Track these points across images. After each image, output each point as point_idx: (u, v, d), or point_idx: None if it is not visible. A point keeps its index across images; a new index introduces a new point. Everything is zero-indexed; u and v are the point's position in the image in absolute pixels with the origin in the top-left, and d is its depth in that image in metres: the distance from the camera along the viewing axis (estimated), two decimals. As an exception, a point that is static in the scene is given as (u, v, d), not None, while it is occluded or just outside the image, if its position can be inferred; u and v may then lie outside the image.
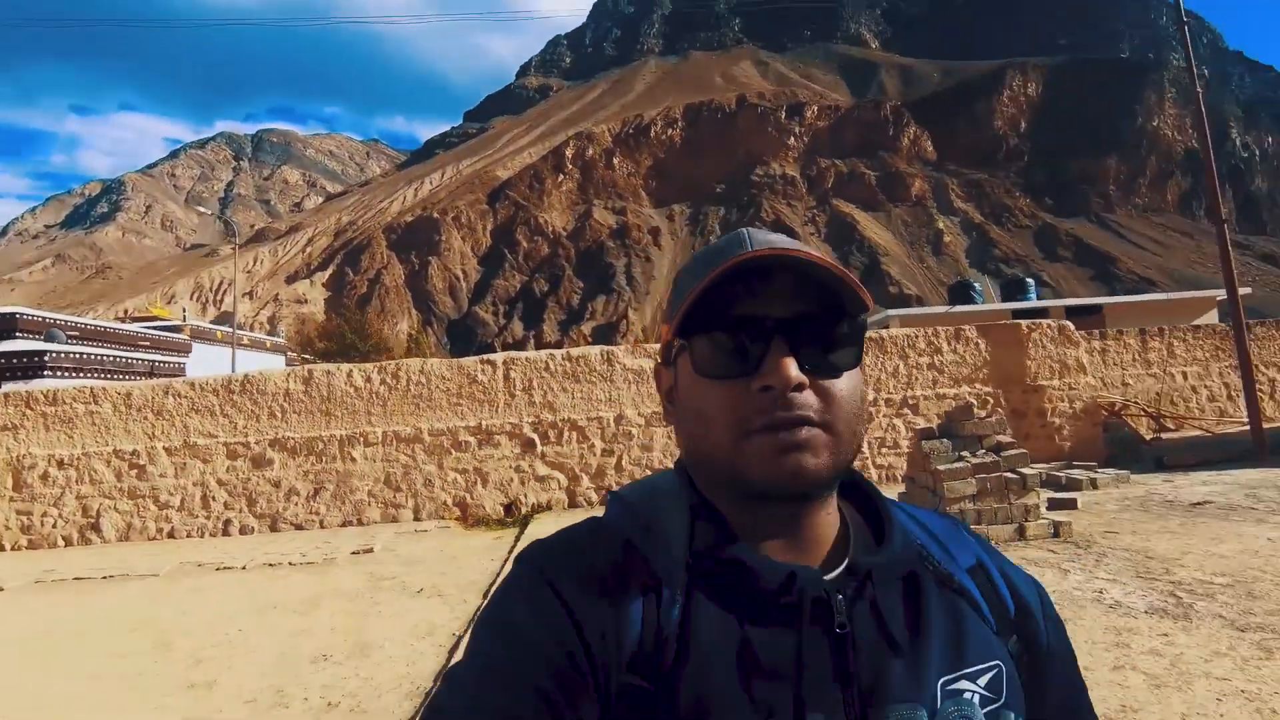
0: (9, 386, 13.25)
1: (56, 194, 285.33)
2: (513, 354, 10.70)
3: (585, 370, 10.47)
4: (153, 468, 10.01)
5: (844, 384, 0.61)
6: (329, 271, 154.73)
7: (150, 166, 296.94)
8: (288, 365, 31.22)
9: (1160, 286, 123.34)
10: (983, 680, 0.60)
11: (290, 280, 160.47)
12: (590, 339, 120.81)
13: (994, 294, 25.53)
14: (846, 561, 0.62)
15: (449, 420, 10.30)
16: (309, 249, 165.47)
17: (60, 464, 10.00)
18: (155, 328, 29.44)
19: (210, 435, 10.17)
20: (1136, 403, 12.38)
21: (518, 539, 8.43)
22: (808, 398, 0.58)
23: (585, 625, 0.56)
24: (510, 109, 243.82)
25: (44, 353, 18.11)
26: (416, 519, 10.01)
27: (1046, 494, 8.04)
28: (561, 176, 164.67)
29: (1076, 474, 9.18)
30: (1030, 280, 24.62)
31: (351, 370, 10.51)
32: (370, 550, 8.14)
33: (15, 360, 17.65)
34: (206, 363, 28.20)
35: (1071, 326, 11.56)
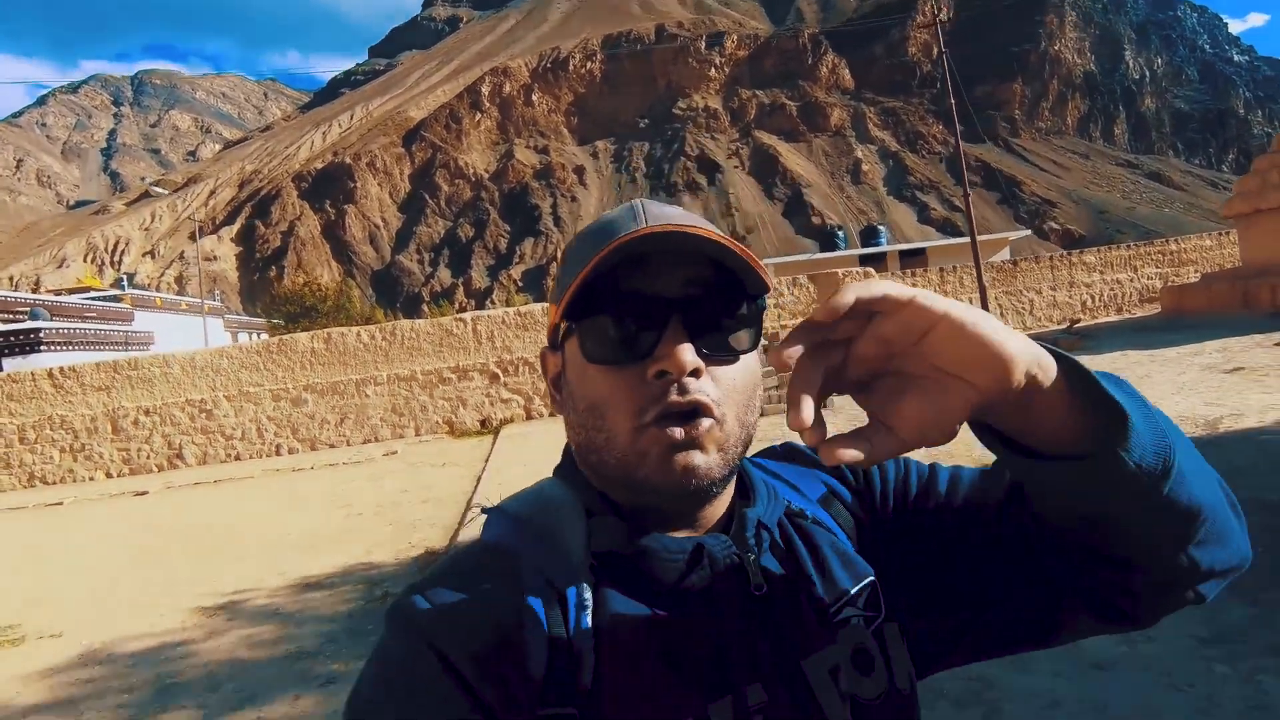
0: (10, 363, 15.59)
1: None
2: (478, 312, 13.96)
3: (531, 321, 14.06)
4: (217, 410, 13.17)
5: (740, 370, 0.58)
6: (236, 225, 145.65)
7: (15, 115, 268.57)
8: (226, 328, 30.30)
9: (1059, 207, 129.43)
10: (861, 601, 0.59)
11: (194, 236, 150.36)
12: (520, 284, 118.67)
13: (856, 240, 31.77)
14: (736, 520, 0.60)
15: (434, 363, 13.66)
16: (212, 202, 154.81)
17: (147, 412, 13.07)
18: (97, 298, 30.52)
19: (258, 385, 13.41)
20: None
21: (493, 442, 11.32)
22: (704, 384, 0.55)
23: (489, 689, 0.51)
24: (419, 43, 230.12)
25: (39, 330, 20.59)
26: (418, 435, 13.29)
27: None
28: (479, 115, 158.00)
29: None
30: (881, 227, 30.84)
31: (359, 331, 13.98)
32: (395, 452, 11.61)
33: (15, 338, 20.27)
34: (156, 330, 29.06)
35: (873, 272, 14.75)
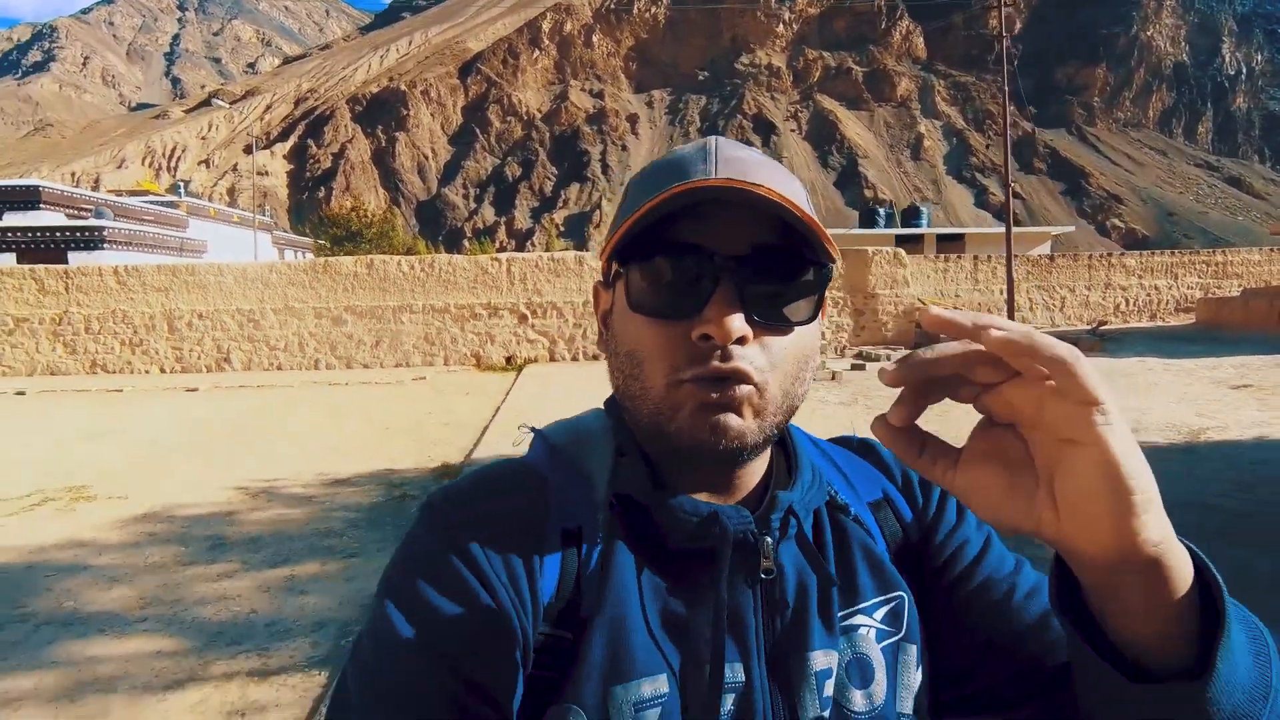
0: (76, 257, 16.58)
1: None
2: (513, 254, 14.43)
3: (563, 268, 14.34)
4: (264, 321, 13.96)
5: (792, 342, 0.55)
6: (290, 143, 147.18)
7: (85, 12, 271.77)
8: (274, 244, 31.49)
9: (1127, 204, 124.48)
10: (879, 614, 0.57)
11: (249, 150, 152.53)
12: (562, 228, 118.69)
13: (897, 219, 31.89)
14: (766, 500, 0.58)
15: (468, 298, 14.28)
16: (268, 116, 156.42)
17: (200, 316, 13.94)
18: (154, 202, 31.57)
19: (302, 301, 14.11)
20: (937, 303, 15.73)
21: (515, 378, 12.10)
22: (749, 353, 0.52)
23: (499, 589, 0.52)
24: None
25: (104, 229, 21.46)
26: (446, 365, 14.00)
27: (850, 360, 12.72)
28: (537, 53, 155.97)
29: (881, 351, 13.20)
30: (923, 208, 31.03)
31: (400, 260, 14.57)
32: (424, 379, 12.36)
33: (82, 234, 21.36)
34: (209, 239, 30.39)
35: (903, 254, 15.05)
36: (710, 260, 0.52)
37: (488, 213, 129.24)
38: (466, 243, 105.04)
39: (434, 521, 0.55)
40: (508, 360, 14.05)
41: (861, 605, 0.57)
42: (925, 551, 0.63)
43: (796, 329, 0.54)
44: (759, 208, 0.51)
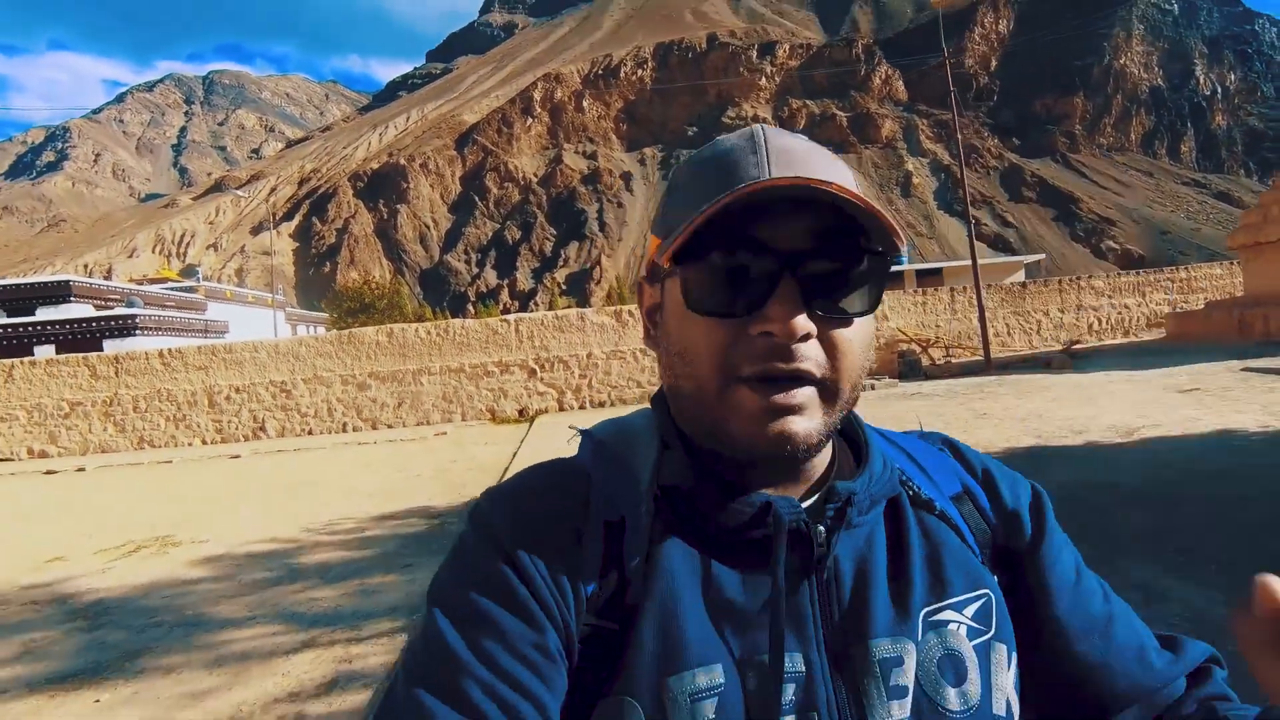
0: (110, 344, 17.86)
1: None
2: (520, 315, 15.68)
3: (567, 324, 15.65)
4: (295, 391, 15.24)
5: (855, 333, 0.53)
6: (295, 221, 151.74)
7: (96, 111, 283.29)
8: (287, 320, 33.03)
9: (1119, 226, 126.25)
10: (969, 610, 0.56)
11: (255, 231, 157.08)
12: (564, 287, 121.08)
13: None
14: (824, 489, 0.57)
15: (480, 358, 15.50)
16: (273, 198, 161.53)
17: (237, 390, 15.16)
18: (174, 289, 33.51)
19: (329, 370, 15.45)
20: (914, 338, 16.84)
21: (528, 429, 13.14)
22: (811, 349, 0.51)
23: (542, 588, 0.52)
24: (475, 48, 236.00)
25: (135, 316, 22.97)
26: (464, 420, 15.20)
27: None
28: (530, 120, 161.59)
29: (866, 380, 14.22)
30: (902, 247, 34.76)
31: (417, 327, 15.91)
32: (444, 433, 13.50)
33: (115, 322, 22.79)
34: (228, 318, 32.01)
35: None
36: (771, 256, 0.51)
37: (490, 276, 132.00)
38: (470, 306, 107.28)
39: (479, 525, 0.56)
40: (520, 412, 15.16)
41: (950, 600, 0.56)
42: (1017, 558, 0.62)
43: (857, 320, 0.54)
44: (818, 197, 0.50)
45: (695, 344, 0.53)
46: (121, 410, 14.58)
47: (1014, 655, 0.57)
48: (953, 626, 0.55)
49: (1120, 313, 17.83)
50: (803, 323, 0.50)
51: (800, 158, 0.53)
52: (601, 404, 14.85)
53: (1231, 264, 18.47)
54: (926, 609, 0.55)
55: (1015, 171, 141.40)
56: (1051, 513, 0.64)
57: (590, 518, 0.55)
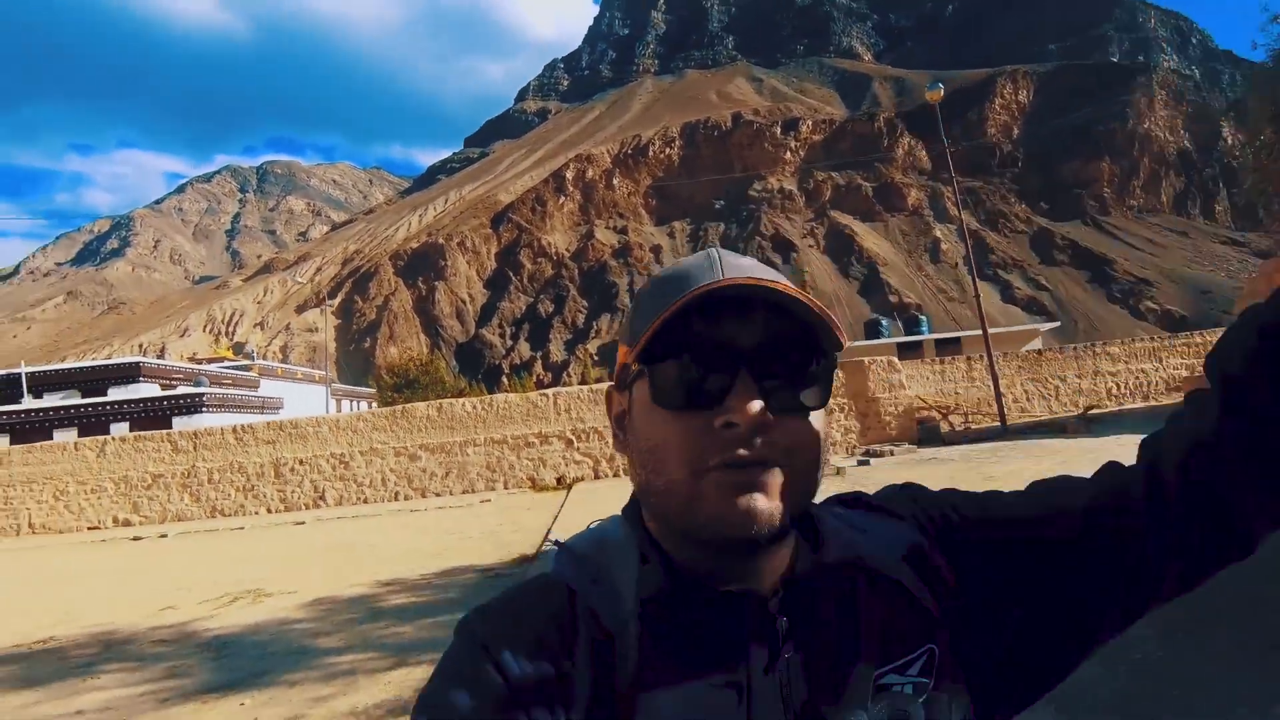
0: (179, 421, 19.51)
1: (66, 231, 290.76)
2: (558, 389, 16.97)
3: (601, 396, 16.56)
4: (353, 462, 16.48)
5: (808, 426, 0.58)
6: (338, 300, 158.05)
7: (158, 202, 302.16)
8: (332, 396, 34.89)
9: (1157, 287, 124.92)
10: (914, 669, 0.59)
11: (300, 310, 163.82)
12: (596, 358, 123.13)
13: (899, 329, 35.90)
14: (787, 583, 0.60)
15: (521, 429, 16.70)
16: (318, 278, 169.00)
17: (300, 462, 16.43)
18: (230, 367, 36.14)
19: (384, 443, 16.72)
20: (933, 405, 17.57)
21: (566, 495, 13.94)
22: (772, 436, 0.55)
23: (532, 702, 0.53)
24: (510, 133, 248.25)
25: (202, 395, 24.89)
26: (506, 488, 16.20)
27: (858, 457, 14.46)
28: (563, 198, 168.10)
29: (885, 448, 14.99)
30: (923, 317, 35.05)
31: (464, 401, 17.37)
32: (489, 500, 14.53)
33: (183, 400, 24.84)
34: (281, 394, 34.21)
35: (896, 360, 17.32)
36: (728, 352, 0.55)
37: (524, 349, 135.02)
38: (505, 379, 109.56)
39: (467, 636, 0.57)
40: (559, 480, 16.11)
41: (896, 663, 0.58)
42: (959, 552, 0.64)
43: (811, 414, 0.58)
44: (769, 301, 0.55)
45: (664, 439, 0.57)
46: (197, 481, 15.91)
47: (958, 698, 0.59)
48: (897, 689, 0.57)
49: (1138, 378, 18.24)
50: (761, 411, 0.54)
51: (752, 270, 0.58)
52: (633, 472, 15.74)
53: (1247, 329, 18.88)
54: (876, 675, 0.58)
55: (1045, 235, 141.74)
56: (924, 487, 0.70)
57: (579, 636, 0.56)
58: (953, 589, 0.63)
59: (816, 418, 0.58)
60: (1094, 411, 16.48)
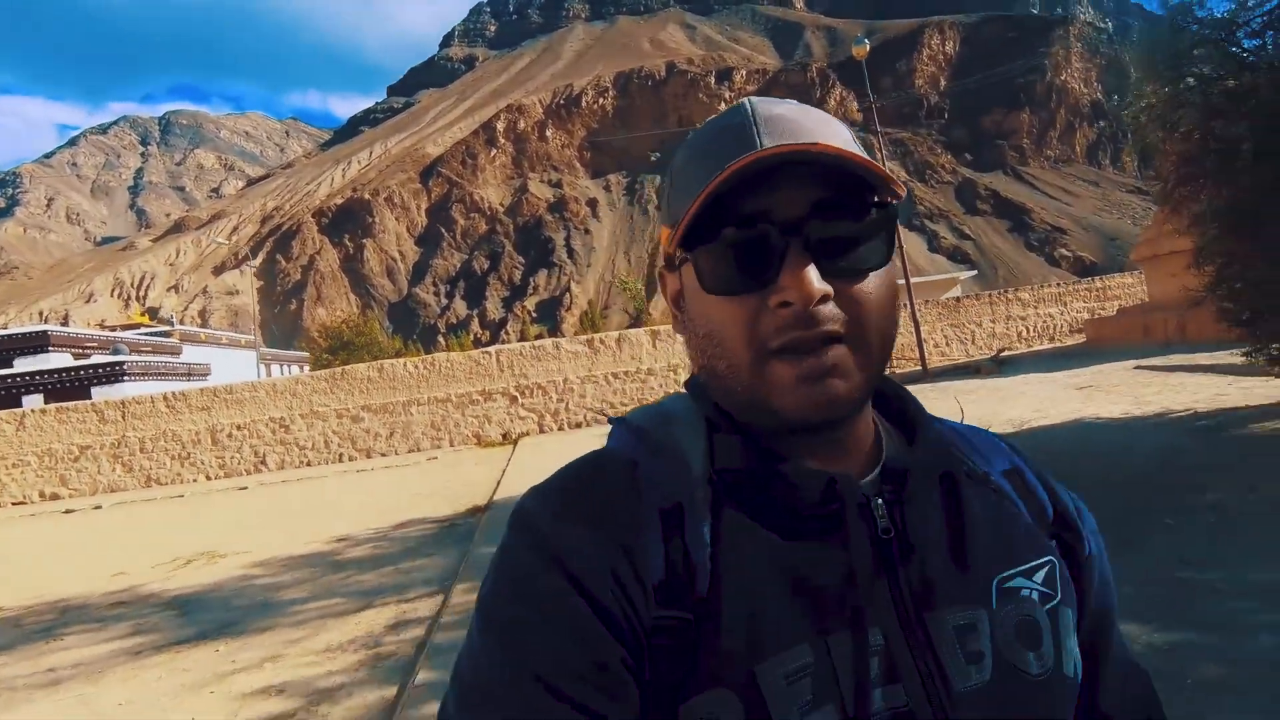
0: (98, 391, 18.68)
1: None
2: (500, 346, 17.04)
3: (543, 353, 17.13)
4: (293, 426, 16.26)
5: (872, 286, 0.53)
6: (258, 260, 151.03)
7: (48, 156, 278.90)
8: (260, 360, 33.76)
9: (1070, 234, 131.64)
10: (1038, 576, 0.57)
11: (218, 271, 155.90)
12: (534, 315, 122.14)
13: None
14: (881, 464, 0.57)
15: (465, 387, 16.76)
16: (235, 237, 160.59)
17: (238, 428, 16.16)
18: (148, 334, 34.19)
19: (324, 405, 16.61)
20: None
21: (513, 450, 14.14)
22: (832, 310, 0.51)
23: (599, 591, 0.49)
24: (436, 81, 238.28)
25: (122, 363, 23.89)
26: (451, 446, 16.33)
27: None
28: (494, 151, 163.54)
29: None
30: None
31: (405, 361, 17.32)
32: (436, 458, 14.55)
33: (102, 369, 23.78)
34: (206, 361, 32.89)
35: None
36: (775, 226, 0.51)
37: (459, 307, 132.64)
38: (441, 338, 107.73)
39: (524, 529, 0.54)
40: (504, 436, 16.34)
41: (1020, 567, 0.57)
42: (1074, 558, 0.62)
43: (872, 274, 0.54)
44: (815, 163, 0.51)
45: (720, 325, 0.54)
46: (129, 451, 15.47)
47: (1075, 619, 0.58)
48: (1025, 593, 0.56)
49: (1045, 321, 19.64)
50: (818, 285, 0.50)
51: (790, 124, 0.53)
52: (578, 425, 16.09)
53: (1140, 274, 20.44)
54: (999, 577, 0.56)
55: (969, 185, 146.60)
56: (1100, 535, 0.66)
57: (643, 506, 0.53)
58: (1049, 525, 0.61)
59: (880, 278, 0.54)
60: (1005, 354, 17.72)
